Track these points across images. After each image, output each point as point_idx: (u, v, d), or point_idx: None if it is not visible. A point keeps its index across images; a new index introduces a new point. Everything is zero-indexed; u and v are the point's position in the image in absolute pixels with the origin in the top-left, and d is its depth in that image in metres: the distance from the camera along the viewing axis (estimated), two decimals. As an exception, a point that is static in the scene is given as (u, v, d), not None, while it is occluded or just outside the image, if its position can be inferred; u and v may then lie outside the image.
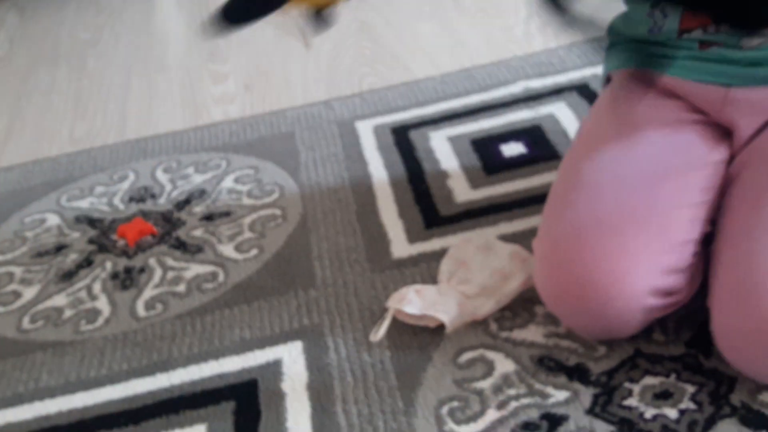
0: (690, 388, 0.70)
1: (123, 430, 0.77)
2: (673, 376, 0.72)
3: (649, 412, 0.69)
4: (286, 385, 0.79)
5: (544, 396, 0.73)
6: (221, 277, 0.96)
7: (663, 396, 0.70)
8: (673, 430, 0.67)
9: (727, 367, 0.71)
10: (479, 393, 0.74)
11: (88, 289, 0.98)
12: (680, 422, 0.67)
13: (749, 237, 0.67)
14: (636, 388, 0.71)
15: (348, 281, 0.92)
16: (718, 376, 0.71)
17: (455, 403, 0.74)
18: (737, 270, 0.66)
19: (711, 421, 0.67)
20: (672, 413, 0.68)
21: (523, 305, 0.83)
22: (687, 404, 0.69)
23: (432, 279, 0.88)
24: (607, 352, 0.76)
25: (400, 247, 0.96)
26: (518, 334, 0.80)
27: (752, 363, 0.66)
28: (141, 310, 0.93)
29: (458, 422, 0.72)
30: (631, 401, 0.70)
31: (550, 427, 0.69)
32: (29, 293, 0.99)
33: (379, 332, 0.83)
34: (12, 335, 0.92)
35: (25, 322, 0.94)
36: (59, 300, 0.97)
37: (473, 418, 0.72)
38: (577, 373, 0.74)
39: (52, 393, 0.83)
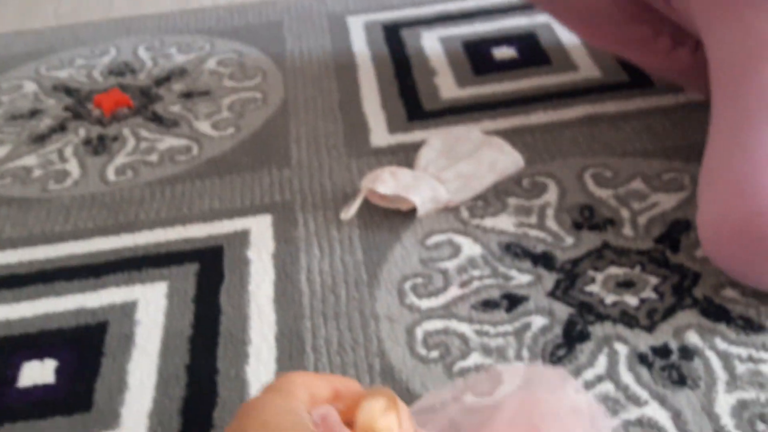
0: (653, 280, 0.70)
1: (83, 282, 0.76)
2: (637, 268, 0.72)
3: (610, 299, 0.69)
4: (251, 253, 0.79)
5: (507, 278, 0.72)
6: (195, 151, 0.94)
7: (625, 285, 0.70)
8: (631, 316, 0.67)
9: (693, 262, 0.71)
10: (443, 272, 0.74)
11: (60, 152, 0.96)
12: (639, 309, 0.67)
13: (739, 129, 0.65)
14: (599, 277, 0.71)
15: (323, 164, 0.90)
16: (684, 270, 0.71)
17: (419, 279, 0.74)
18: (727, 162, 0.65)
19: (671, 311, 0.67)
20: (632, 301, 0.68)
21: (497, 195, 0.82)
22: (648, 294, 0.69)
23: (409, 168, 0.86)
24: (575, 243, 0.75)
25: (380, 136, 0.95)
26: (489, 222, 0.79)
27: (732, 259, 0.65)
28: (111, 175, 0.91)
29: (420, 296, 0.72)
30: (593, 288, 0.70)
31: (509, 306, 0.69)
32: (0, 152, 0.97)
33: (350, 211, 0.82)
34: (-22, 191, 0.91)
35: (-7, 180, 0.92)
36: (29, 160, 0.95)
37: (435, 293, 0.72)
38: (543, 260, 0.74)
39: (14, 244, 0.83)
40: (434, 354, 0.66)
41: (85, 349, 0.69)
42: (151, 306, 0.73)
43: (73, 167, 0.93)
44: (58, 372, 0.67)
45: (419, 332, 0.68)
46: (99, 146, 0.97)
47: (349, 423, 0.44)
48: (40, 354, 0.69)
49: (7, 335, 0.72)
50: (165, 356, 0.68)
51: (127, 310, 0.73)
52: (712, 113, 0.71)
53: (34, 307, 0.74)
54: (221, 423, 0.61)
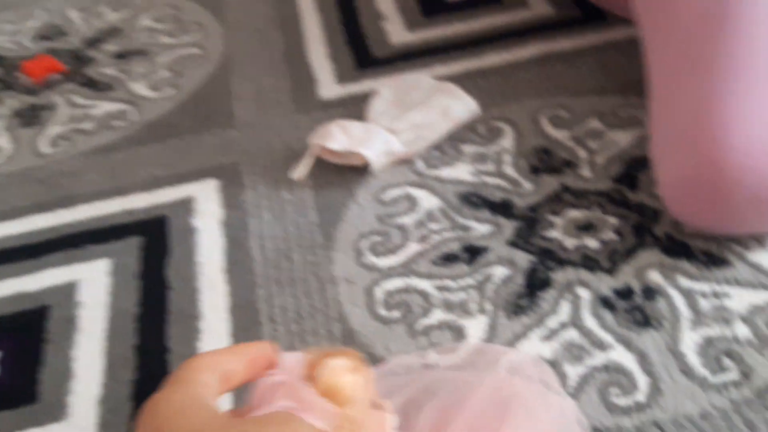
0: (613, 221, 0.68)
1: (20, 264, 0.72)
2: (597, 210, 0.69)
3: (570, 243, 0.67)
4: (197, 222, 0.75)
5: (466, 230, 0.70)
6: (132, 116, 0.89)
7: (585, 228, 0.68)
8: (593, 259, 0.65)
9: (653, 200, 0.69)
10: (401, 228, 0.71)
11: (-12, 126, 0.90)
12: (600, 252, 0.65)
13: (684, 83, 0.62)
14: (559, 221, 0.69)
15: (270, 122, 0.86)
16: (643, 209, 0.69)
17: (376, 237, 0.71)
18: (675, 117, 0.62)
19: (632, 251, 0.65)
20: (593, 243, 0.66)
21: (452, 144, 0.79)
22: (609, 235, 0.67)
23: (360, 120, 0.83)
24: (534, 188, 0.73)
25: (328, 88, 0.90)
26: (445, 173, 0.76)
27: (695, 213, 0.62)
28: (45, 147, 0.86)
29: (378, 255, 0.69)
30: (553, 233, 0.68)
31: (470, 258, 0.67)
32: (-77, 131, 0.91)
33: (301, 170, 0.78)
34: None
35: None
36: (-44, 137, 0.90)
37: (393, 251, 0.69)
38: (502, 208, 0.71)
39: (-56, 229, 0.78)
40: (396, 314, 0.63)
41: (26, 337, 0.65)
42: (93, 285, 0.69)
43: (4, 142, 0.88)
44: (2, 363, 0.64)
45: (379, 292, 0.65)
46: (30, 117, 0.91)
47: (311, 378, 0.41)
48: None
49: (-57, 327, 0.68)
50: (112, 338, 0.64)
51: (69, 291, 0.69)
52: (649, 49, 0.68)
53: (-31, 295, 0.70)
54: (175, 404, 0.58)
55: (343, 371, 0.41)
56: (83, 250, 0.72)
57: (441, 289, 0.65)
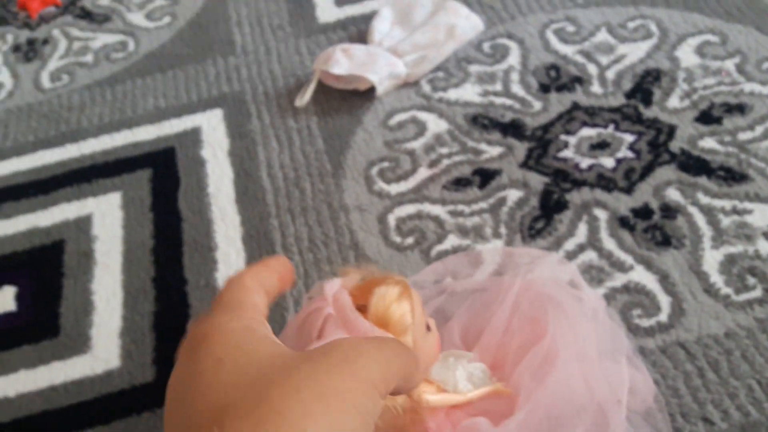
0: (628, 138, 0.67)
1: (32, 200, 0.72)
2: (611, 127, 0.69)
3: (585, 162, 0.66)
4: (206, 153, 0.74)
5: (477, 153, 0.69)
6: (132, 46, 0.87)
7: (599, 146, 0.67)
8: (608, 178, 0.65)
9: (667, 115, 0.69)
10: (410, 153, 0.71)
11: (-14, 62, 0.89)
12: (616, 171, 0.65)
13: None
14: (572, 140, 0.68)
15: (271, 47, 0.84)
16: (658, 124, 0.68)
17: (385, 164, 0.70)
18: None
19: (649, 168, 0.65)
20: (608, 162, 0.66)
21: (458, 64, 0.78)
22: (624, 153, 0.66)
23: (362, 43, 0.81)
24: (544, 107, 0.72)
25: (328, 11, 0.88)
26: (452, 94, 0.75)
27: None
28: (46, 82, 0.85)
29: (388, 181, 0.68)
30: (566, 153, 0.67)
31: (482, 182, 0.67)
32: None
33: (305, 97, 0.77)
34: None
35: None
36: (-47, 74, 0.88)
37: (403, 177, 0.69)
38: (512, 129, 0.71)
39: (-49, 168, 0.77)
40: (409, 240, 0.63)
41: (45, 272, 0.66)
42: (107, 219, 0.69)
43: (5, 77, 0.87)
44: (19, 299, 0.64)
45: (391, 219, 0.65)
46: (29, 51, 0.89)
47: (360, 308, 0.41)
48: (-4, 282, 0.65)
49: (-41, 266, 0.68)
50: (129, 271, 0.65)
51: (83, 225, 0.69)
52: None
53: (-17, 233, 0.70)
54: (197, 334, 0.59)
55: (394, 298, 0.41)
56: (94, 184, 0.72)
57: (454, 214, 0.65)
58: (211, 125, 0.76)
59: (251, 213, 0.68)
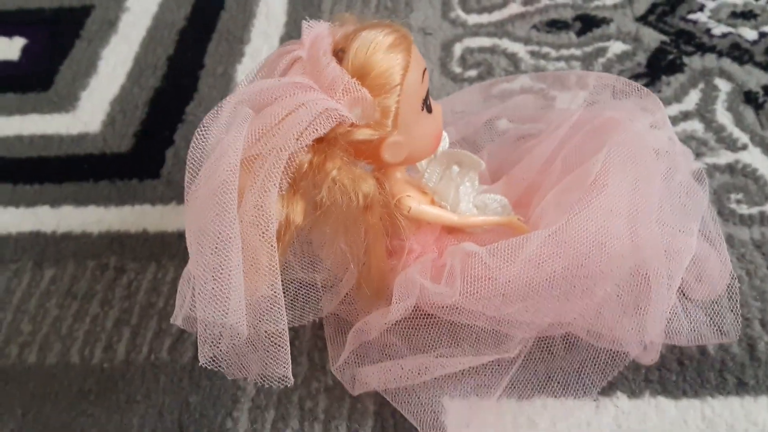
0: (786, 12, 0.52)
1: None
2: (766, -2, 0.53)
3: (719, 29, 0.51)
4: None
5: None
6: None
7: (743, 16, 0.52)
8: (745, 49, 0.50)
9: None
10: (506, -12, 0.58)
11: None
12: (757, 44, 0.50)
13: None
14: (710, 4, 0.53)
15: None
16: (831, 4, 0.52)
17: None
18: None
19: (802, 49, 0.49)
20: (749, 33, 0.51)
21: None
22: (775, 27, 0.51)
23: None
24: (687, -35, 0.57)
25: None
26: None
27: None
28: None
29: (469, 11, 0.56)
30: (699, 15, 0.53)
31: (583, 28, 0.53)
32: None
33: None
34: None
35: None
36: None
37: (489, 9, 0.56)
38: (639, -18, 0.56)
39: None
40: (471, 73, 0.51)
41: (61, 31, 0.58)
42: (145, -6, 0.61)
43: None
44: (25, 51, 0.57)
45: (458, 48, 0.53)
46: None
47: (338, 55, 0.30)
48: (9, 31, 0.58)
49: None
50: (147, 45, 0.56)
51: (118, -5, 0.61)
52: None
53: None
54: (194, 119, 0.50)
55: (383, 46, 0.30)
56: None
57: (536, 55, 0.52)
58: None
59: (299, 16, 0.57)
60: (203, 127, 0.29)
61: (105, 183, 0.46)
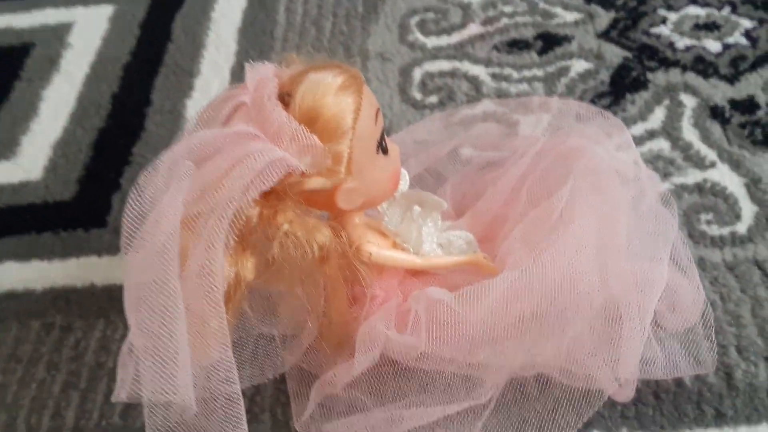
0: (745, 23, 0.51)
1: (16, 1, 0.61)
2: (726, 9, 0.52)
3: (683, 42, 0.50)
4: (222, -24, 0.62)
5: (548, 16, 0.54)
6: None
7: (706, 27, 0.51)
8: (709, 62, 0.48)
9: (808, 2, 0.51)
10: (464, 6, 0.56)
11: None
12: (721, 56, 0.49)
13: None
14: (672, 17, 0.52)
15: None
16: (792, 12, 0.51)
17: (430, 14, 0.56)
18: None
19: (764, 60, 0.48)
20: (713, 46, 0.50)
21: None
22: (736, 39, 0.50)
23: None
24: (646, -23, 0.55)
25: None
26: (533, -46, 0.60)
27: None
28: None
29: (427, 34, 0.54)
30: (662, 29, 0.51)
31: (544, 47, 0.51)
32: None
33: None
34: None
35: None
36: None
37: (447, 30, 0.54)
38: (599, -4, 0.55)
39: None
40: (432, 99, 0.49)
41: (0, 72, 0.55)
42: (88, 29, 0.58)
43: None
44: (-39, 94, 0.54)
45: (417, 73, 0.51)
46: None
47: (284, 99, 0.28)
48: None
49: None
50: (90, 83, 0.53)
51: (60, 32, 0.58)
52: None
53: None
54: (141, 161, 0.47)
55: (332, 89, 0.28)
56: (85, -11, 0.61)
57: (497, 77, 0.50)
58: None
59: (252, 45, 0.55)
60: (138, 187, 0.26)
61: (48, 235, 0.43)
